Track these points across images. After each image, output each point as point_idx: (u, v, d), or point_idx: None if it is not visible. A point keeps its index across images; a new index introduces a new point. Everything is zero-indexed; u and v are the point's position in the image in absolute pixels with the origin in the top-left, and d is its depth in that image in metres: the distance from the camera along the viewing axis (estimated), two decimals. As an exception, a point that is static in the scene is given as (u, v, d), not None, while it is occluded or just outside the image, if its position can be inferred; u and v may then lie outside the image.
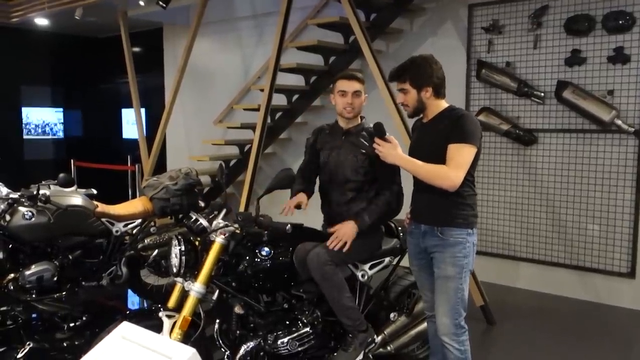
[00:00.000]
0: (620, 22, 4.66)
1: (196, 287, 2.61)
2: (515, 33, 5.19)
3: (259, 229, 2.77)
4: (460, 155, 2.66)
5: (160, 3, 6.14)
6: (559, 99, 4.95)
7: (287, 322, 2.91)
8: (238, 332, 2.85)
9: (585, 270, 5.02)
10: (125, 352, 2.15)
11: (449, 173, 2.64)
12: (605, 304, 4.91)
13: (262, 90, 5.58)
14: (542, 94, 5.06)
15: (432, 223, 2.81)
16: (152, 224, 4.60)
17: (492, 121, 5.28)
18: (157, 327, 2.58)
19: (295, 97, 6.35)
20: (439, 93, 2.82)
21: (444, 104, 2.85)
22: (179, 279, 2.70)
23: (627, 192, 4.77)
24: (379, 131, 2.80)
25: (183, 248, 2.65)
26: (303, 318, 2.94)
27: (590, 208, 4.95)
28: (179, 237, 2.70)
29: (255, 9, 7.13)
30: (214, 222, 2.77)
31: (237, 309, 2.82)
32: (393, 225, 3.31)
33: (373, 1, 5.47)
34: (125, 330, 2.25)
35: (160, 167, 7.63)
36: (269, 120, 5.69)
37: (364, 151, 3.03)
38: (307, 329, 2.90)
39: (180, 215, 4.62)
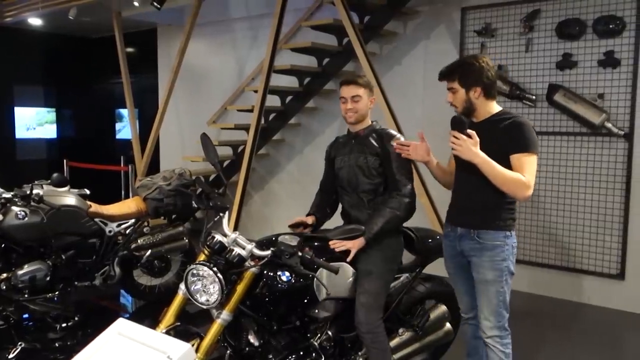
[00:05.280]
0: (611, 26, 4.71)
1: (224, 315, 2.49)
2: (508, 36, 5.24)
3: (304, 267, 2.53)
4: (529, 165, 2.59)
5: (155, 4, 6.14)
6: (550, 102, 5.00)
7: (298, 349, 2.78)
8: (247, 348, 2.71)
9: (574, 271, 5.06)
10: (121, 348, 2.16)
11: (527, 184, 2.57)
12: (595, 305, 4.95)
13: (256, 91, 5.61)
14: (534, 97, 5.11)
15: (468, 226, 2.77)
16: (146, 224, 4.60)
17: (484, 124, 5.31)
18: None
19: (289, 98, 6.36)
20: (489, 94, 2.72)
21: (495, 106, 2.76)
22: (214, 311, 2.54)
23: (617, 194, 4.82)
24: (459, 124, 2.57)
25: (221, 276, 2.43)
26: (314, 341, 2.81)
27: (580, 210, 5.00)
28: (212, 266, 2.46)
29: (250, 11, 7.15)
30: (231, 235, 2.57)
31: (252, 339, 2.68)
32: (414, 236, 3.13)
33: (367, 4, 5.50)
34: (121, 326, 2.25)
35: (153, 167, 7.63)
36: (262, 122, 5.71)
37: (372, 152, 2.94)
38: None
39: (175, 218, 4.63)
